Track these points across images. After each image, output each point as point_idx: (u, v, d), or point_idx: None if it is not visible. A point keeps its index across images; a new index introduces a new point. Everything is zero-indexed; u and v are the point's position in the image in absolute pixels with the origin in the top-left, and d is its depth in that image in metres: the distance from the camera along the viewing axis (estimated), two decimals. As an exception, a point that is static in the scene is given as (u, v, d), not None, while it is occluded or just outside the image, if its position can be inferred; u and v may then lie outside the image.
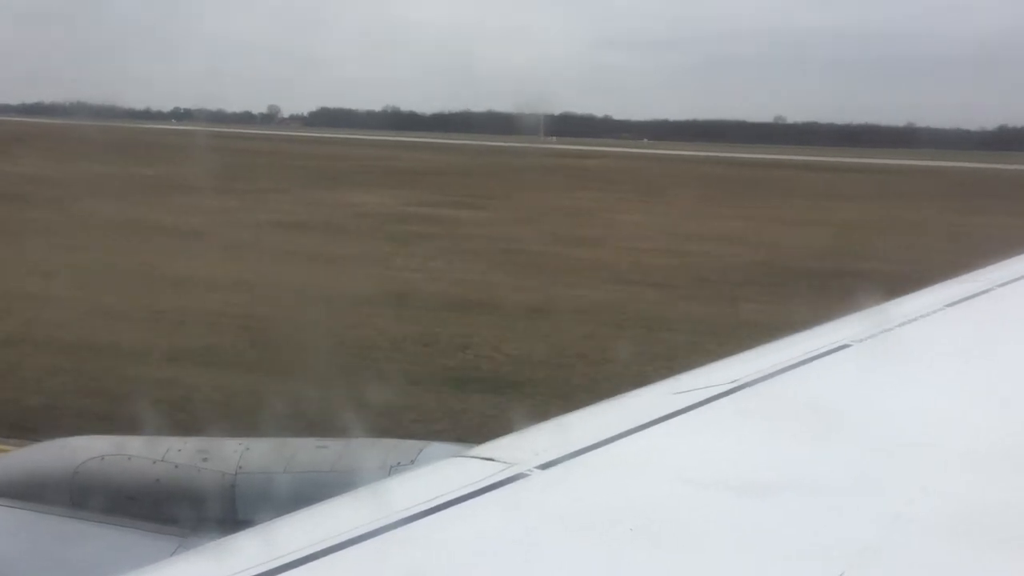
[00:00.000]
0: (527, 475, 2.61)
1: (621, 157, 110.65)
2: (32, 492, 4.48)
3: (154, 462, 4.41)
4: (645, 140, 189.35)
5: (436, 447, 4.19)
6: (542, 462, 2.69)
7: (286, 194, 50.07)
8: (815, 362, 3.88)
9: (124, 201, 41.35)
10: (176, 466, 4.39)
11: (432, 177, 66.74)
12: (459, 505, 2.42)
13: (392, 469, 4.00)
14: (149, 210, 40.17)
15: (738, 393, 3.44)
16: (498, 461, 2.69)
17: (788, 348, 4.09)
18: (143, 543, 4.22)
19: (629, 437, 2.96)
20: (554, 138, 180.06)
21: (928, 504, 2.55)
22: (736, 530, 2.37)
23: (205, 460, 4.38)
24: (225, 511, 4.18)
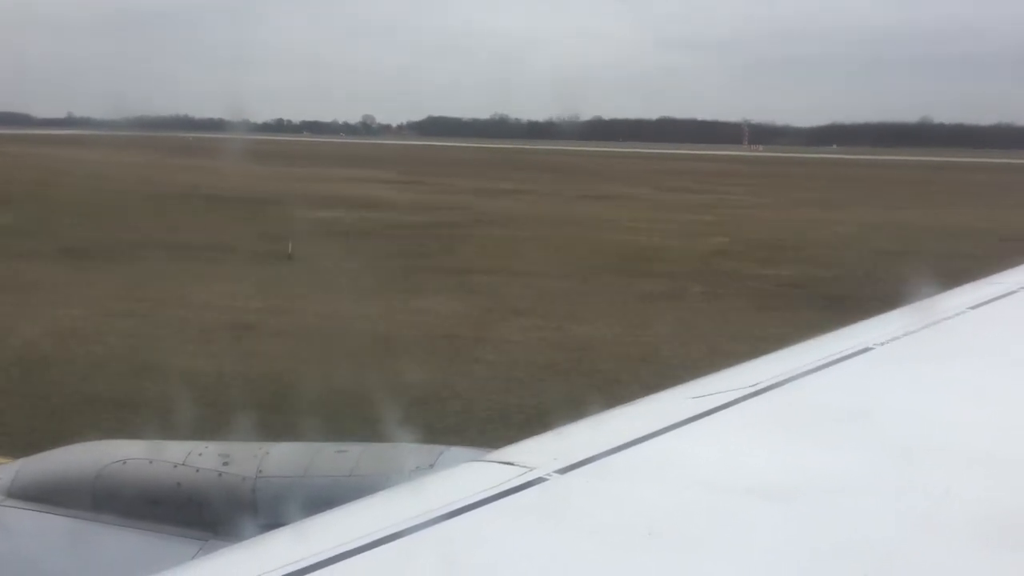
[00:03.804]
0: (546, 479, 2.62)
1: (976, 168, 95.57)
2: (54, 495, 4.48)
3: (175, 466, 4.40)
4: (834, 146, 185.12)
5: (455, 451, 4.17)
6: (561, 466, 2.69)
7: None
8: (837, 366, 3.84)
9: None
10: (197, 470, 4.37)
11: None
12: (478, 509, 2.42)
13: (411, 473, 3.98)
14: None
15: (758, 397, 3.42)
16: (517, 465, 2.70)
17: (809, 351, 4.05)
18: (164, 546, 4.22)
19: (648, 441, 2.95)
20: (761, 147, 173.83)
21: (952, 507, 2.52)
22: (756, 534, 2.35)
23: (226, 464, 4.37)
24: (245, 515, 4.16)
